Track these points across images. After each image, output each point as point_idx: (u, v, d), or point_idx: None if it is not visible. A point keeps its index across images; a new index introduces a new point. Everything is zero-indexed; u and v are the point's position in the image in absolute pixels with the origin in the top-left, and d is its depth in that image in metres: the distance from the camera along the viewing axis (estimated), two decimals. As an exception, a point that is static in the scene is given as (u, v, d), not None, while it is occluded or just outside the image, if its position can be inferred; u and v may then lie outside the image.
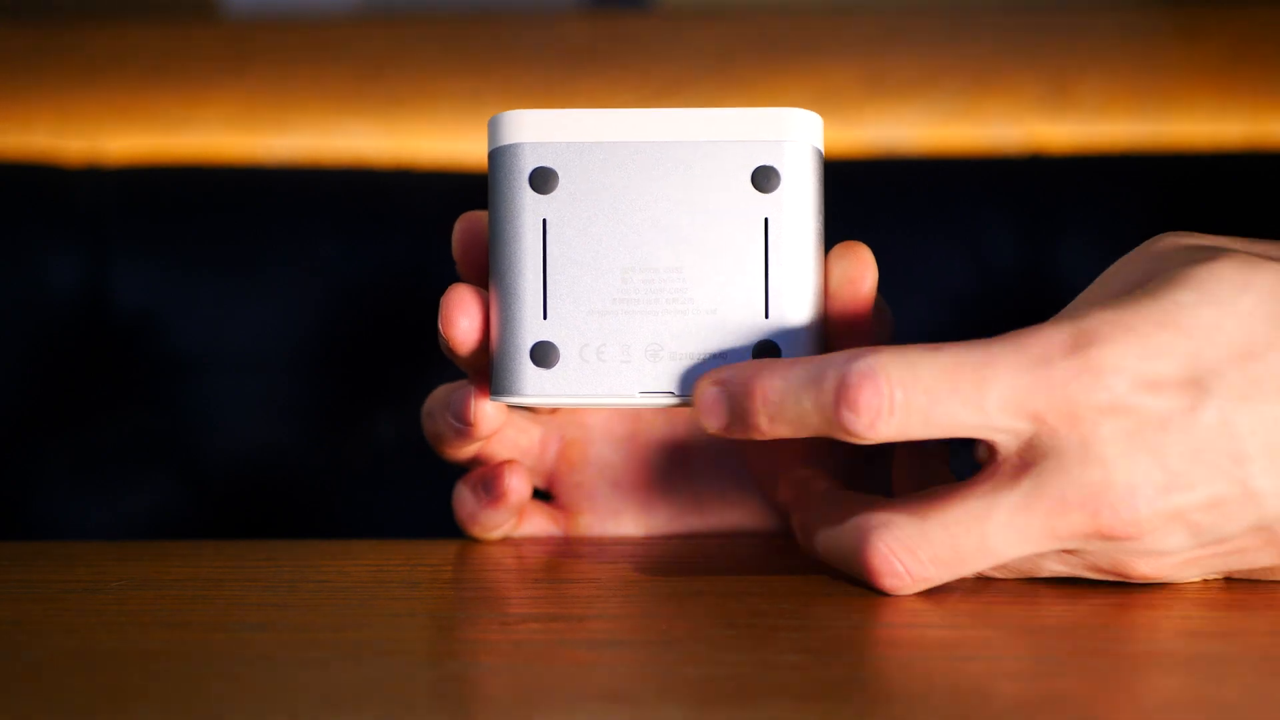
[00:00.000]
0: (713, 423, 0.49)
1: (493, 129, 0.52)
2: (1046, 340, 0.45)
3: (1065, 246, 0.97)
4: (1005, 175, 1.01)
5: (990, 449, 0.47)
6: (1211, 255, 0.46)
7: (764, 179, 0.51)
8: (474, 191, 0.99)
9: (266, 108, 1.14)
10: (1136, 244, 0.49)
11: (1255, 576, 0.49)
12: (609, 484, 0.60)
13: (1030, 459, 0.46)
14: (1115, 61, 1.12)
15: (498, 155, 0.52)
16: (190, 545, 0.61)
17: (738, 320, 0.51)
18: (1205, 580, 0.49)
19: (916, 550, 0.47)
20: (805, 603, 0.48)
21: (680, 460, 0.60)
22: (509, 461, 0.57)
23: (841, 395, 0.46)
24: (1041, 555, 0.48)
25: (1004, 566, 0.49)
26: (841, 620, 0.46)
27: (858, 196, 0.97)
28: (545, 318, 0.51)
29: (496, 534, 0.59)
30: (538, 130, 0.51)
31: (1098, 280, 0.49)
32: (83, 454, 0.99)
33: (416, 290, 0.99)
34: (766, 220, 0.51)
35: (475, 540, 0.59)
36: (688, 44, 1.13)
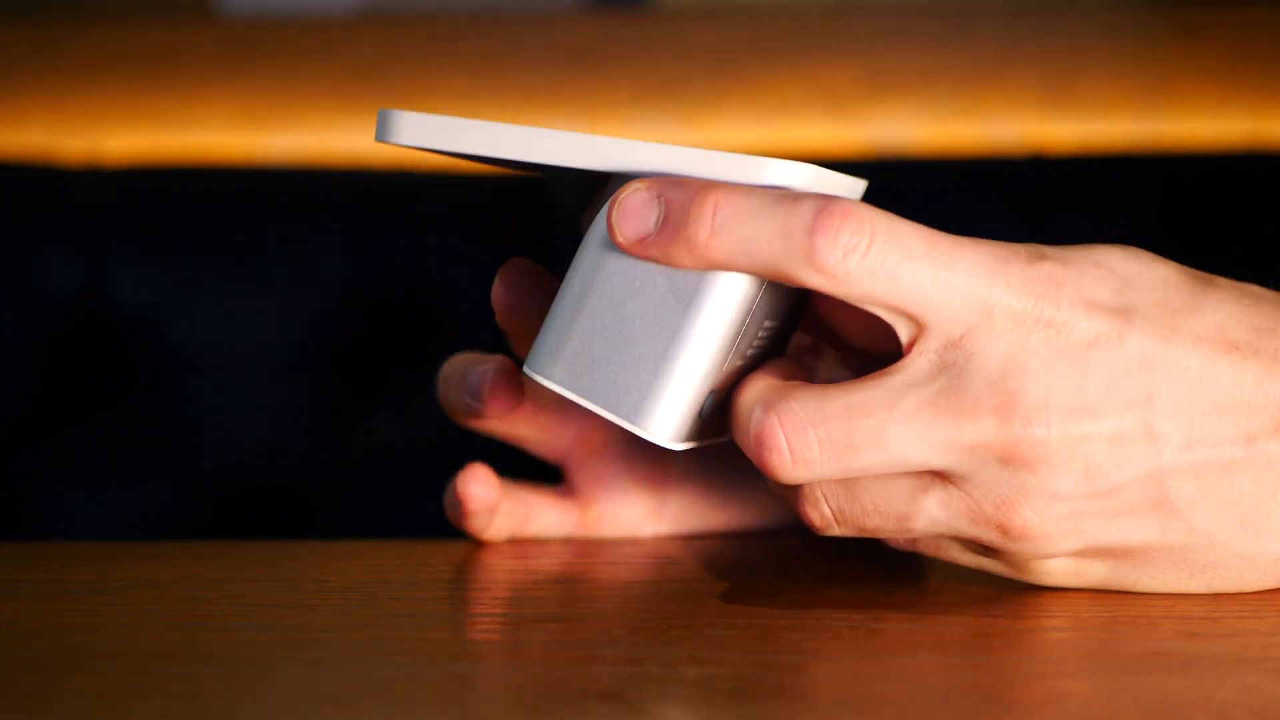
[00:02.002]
0: (628, 227, 0.46)
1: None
2: (1009, 247, 0.46)
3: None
4: (1005, 175, 1.01)
5: (912, 339, 0.46)
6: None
7: None
8: (474, 191, 0.99)
9: (266, 108, 1.14)
10: (1136, 244, 0.49)
11: (1123, 578, 0.47)
12: (625, 473, 0.59)
13: (950, 359, 0.45)
14: (1116, 61, 1.12)
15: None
16: (190, 545, 0.61)
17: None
18: (1079, 579, 0.48)
19: (807, 427, 0.45)
20: (805, 603, 0.48)
21: (697, 453, 0.60)
22: (470, 466, 0.56)
23: (820, 222, 0.44)
24: (940, 537, 0.47)
25: (909, 535, 0.47)
26: (841, 620, 0.46)
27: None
28: None
29: (499, 533, 0.58)
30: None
31: None
32: (83, 454, 0.99)
33: (416, 290, 0.99)
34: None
35: (475, 540, 0.59)
36: (688, 44, 1.13)
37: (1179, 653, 0.43)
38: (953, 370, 0.45)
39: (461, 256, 0.98)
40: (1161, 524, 0.46)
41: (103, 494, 0.99)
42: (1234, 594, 0.48)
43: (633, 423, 0.46)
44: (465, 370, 0.55)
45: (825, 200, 0.45)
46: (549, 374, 0.47)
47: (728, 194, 0.46)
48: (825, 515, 0.47)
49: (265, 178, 1.04)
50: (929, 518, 0.46)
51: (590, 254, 0.47)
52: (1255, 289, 0.48)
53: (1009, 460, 0.45)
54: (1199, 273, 0.47)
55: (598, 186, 0.49)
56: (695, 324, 0.47)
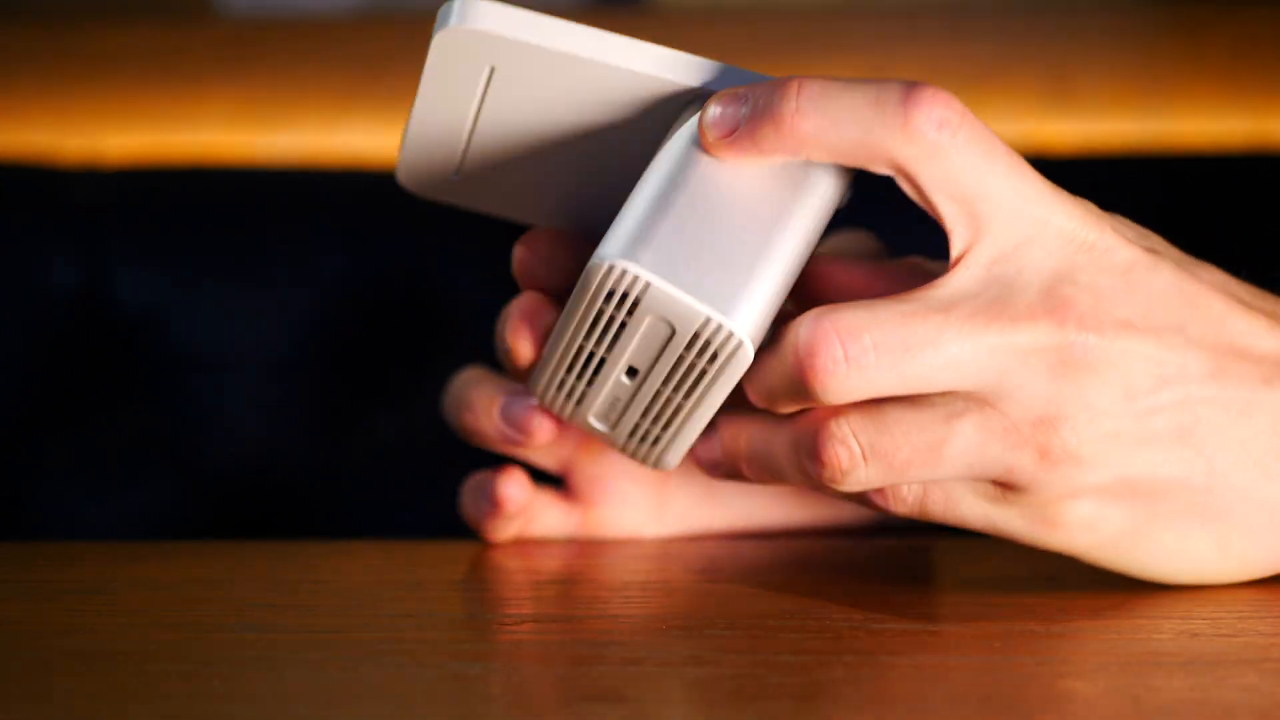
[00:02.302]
0: (721, 124, 0.47)
1: None
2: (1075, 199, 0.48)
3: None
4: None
5: (965, 248, 0.47)
6: None
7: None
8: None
9: (266, 107, 1.14)
10: None
11: (1137, 530, 0.48)
12: (626, 478, 0.60)
13: (999, 273, 0.46)
14: (1116, 61, 1.12)
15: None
16: (190, 545, 0.61)
17: None
18: (1092, 531, 0.48)
19: (862, 332, 0.45)
20: (805, 603, 0.48)
21: None
22: (506, 468, 0.57)
23: (914, 94, 0.45)
24: (959, 482, 0.47)
25: (936, 471, 0.47)
26: (841, 620, 0.46)
27: (858, 196, 0.97)
28: None
29: (505, 535, 0.58)
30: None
31: None
32: (83, 454, 0.99)
33: (416, 290, 0.99)
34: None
35: (476, 540, 0.59)
36: (688, 44, 1.13)
37: (1179, 653, 0.43)
38: (1002, 282, 0.46)
39: (461, 256, 0.98)
40: (1185, 459, 0.47)
41: (103, 494, 0.99)
42: (1234, 594, 0.48)
43: (723, 313, 0.46)
44: (493, 396, 0.55)
45: (910, 81, 0.46)
46: (635, 258, 0.46)
47: (811, 77, 0.46)
48: (853, 453, 0.46)
49: (265, 178, 1.04)
50: (962, 444, 0.46)
51: (678, 152, 0.47)
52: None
53: (1060, 365, 0.46)
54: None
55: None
56: (787, 223, 0.47)
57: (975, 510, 0.48)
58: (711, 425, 0.51)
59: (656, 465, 0.51)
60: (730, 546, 0.58)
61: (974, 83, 1.12)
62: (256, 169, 1.06)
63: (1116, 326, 0.46)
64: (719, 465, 0.51)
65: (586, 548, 0.57)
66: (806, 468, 0.47)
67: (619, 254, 0.46)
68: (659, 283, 0.46)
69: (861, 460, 0.46)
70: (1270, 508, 0.48)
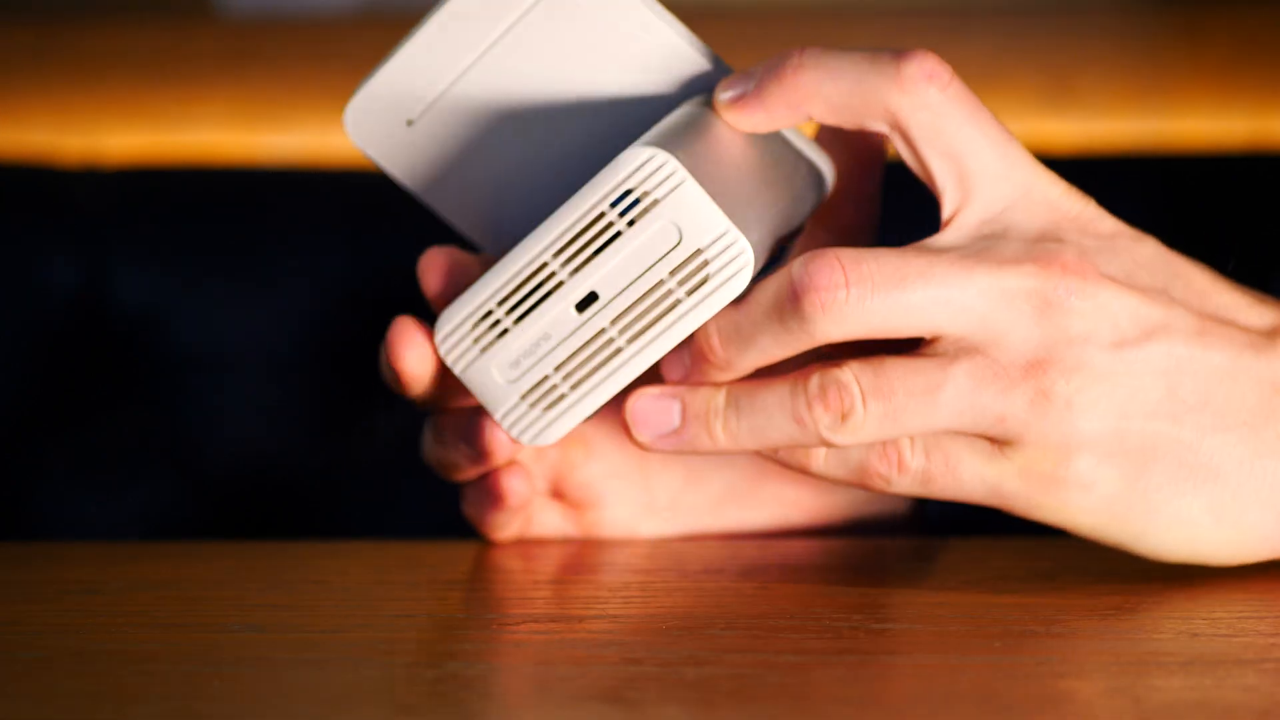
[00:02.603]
0: (728, 94, 0.50)
1: None
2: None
3: (1065, 246, 0.97)
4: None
5: (955, 209, 0.49)
6: None
7: None
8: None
9: (266, 108, 1.14)
10: None
11: (1131, 490, 0.48)
12: (615, 477, 0.60)
13: (987, 231, 0.48)
14: (1116, 61, 1.12)
15: None
16: (190, 545, 0.61)
17: None
18: (1088, 492, 0.48)
19: (860, 261, 0.47)
20: (805, 603, 0.48)
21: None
22: (512, 464, 0.57)
23: (906, 52, 0.48)
24: (958, 437, 0.48)
25: (933, 420, 0.48)
26: (841, 620, 0.46)
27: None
28: None
29: (507, 533, 0.58)
30: None
31: None
32: (83, 454, 0.99)
33: (417, 290, 0.99)
34: None
35: (475, 540, 0.59)
36: (688, 44, 1.13)
37: (1179, 653, 0.43)
38: (990, 238, 0.48)
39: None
40: (1174, 415, 0.48)
41: (103, 494, 0.99)
42: (1234, 594, 0.48)
43: (741, 230, 0.47)
44: (456, 426, 0.55)
45: (912, 54, 0.48)
46: (675, 154, 0.47)
47: (810, 46, 0.49)
48: (854, 395, 0.47)
49: (265, 178, 1.04)
50: (955, 389, 0.47)
51: (690, 112, 0.50)
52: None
53: (1046, 309, 0.47)
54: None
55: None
56: (782, 190, 0.51)
57: (974, 472, 0.48)
58: (628, 395, 0.50)
59: (535, 439, 0.50)
60: (730, 546, 0.58)
61: (974, 83, 1.12)
62: (256, 169, 1.06)
63: (1101, 278, 0.48)
64: (677, 435, 0.51)
65: (586, 547, 0.57)
66: (803, 415, 0.48)
67: (660, 147, 0.47)
68: (692, 182, 0.46)
69: (861, 403, 0.47)
70: (1259, 475, 0.48)
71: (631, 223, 0.47)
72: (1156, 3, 1.14)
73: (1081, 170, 1.01)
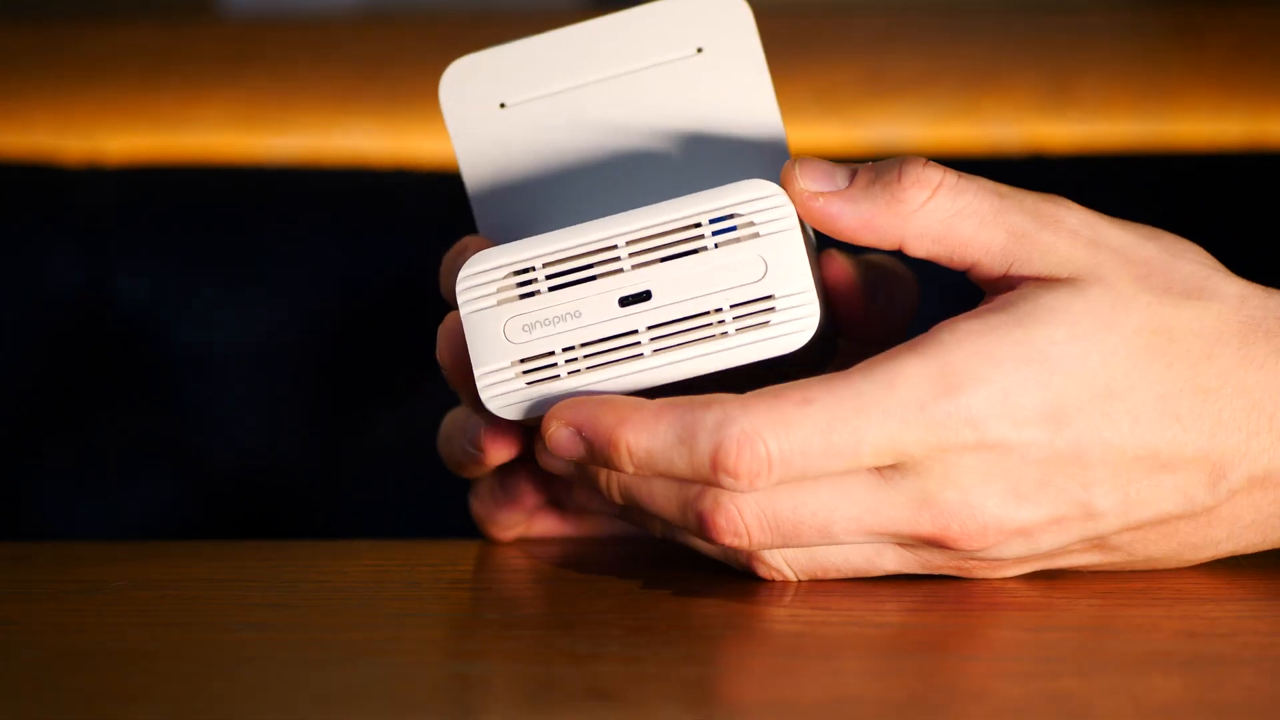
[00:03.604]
0: (557, 463, 0.50)
1: None
2: (917, 381, 0.46)
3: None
4: (1005, 175, 1.01)
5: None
6: (1089, 284, 0.47)
7: None
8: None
9: (266, 107, 1.14)
10: None
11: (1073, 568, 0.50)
12: None
13: (890, 474, 0.47)
14: (1115, 61, 1.12)
15: None
16: (190, 545, 0.61)
17: None
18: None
19: (783, 441, 0.45)
20: (805, 603, 0.48)
21: None
22: (525, 464, 0.57)
23: (718, 461, 0.45)
24: (879, 552, 0.48)
25: (841, 564, 0.49)
26: (841, 620, 0.46)
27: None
28: None
29: (511, 534, 0.58)
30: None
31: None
32: (83, 454, 0.99)
33: (417, 290, 0.99)
34: None
35: (476, 540, 0.59)
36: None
37: (1179, 653, 0.43)
38: (894, 477, 0.47)
39: (461, 256, 0.98)
40: (1102, 556, 0.49)
41: (103, 494, 0.99)
42: (1234, 594, 0.48)
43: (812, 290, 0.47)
44: (463, 424, 0.55)
45: (722, 432, 0.45)
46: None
47: (636, 436, 0.46)
48: (746, 535, 0.47)
49: (265, 178, 1.04)
50: (886, 569, 0.49)
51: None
52: (1214, 323, 0.48)
53: (954, 549, 0.47)
54: (1160, 321, 0.47)
55: None
56: None
57: (892, 565, 0.49)
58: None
59: (501, 409, 0.48)
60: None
61: (974, 83, 1.12)
62: (256, 169, 1.06)
63: (1001, 524, 0.47)
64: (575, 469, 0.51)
65: (587, 548, 0.57)
66: (690, 526, 0.48)
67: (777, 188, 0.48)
68: (799, 231, 0.47)
69: (749, 538, 0.47)
70: (1201, 554, 0.49)
71: (719, 245, 0.47)
72: (1156, 3, 1.14)
73: (1081, 170, 1.01)
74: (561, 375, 0.48)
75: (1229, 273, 0.49)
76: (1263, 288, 0.49)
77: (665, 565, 0.54)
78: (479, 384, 0.48)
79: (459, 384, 0.52)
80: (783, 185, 0.48)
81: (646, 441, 0.46)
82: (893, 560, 0.49)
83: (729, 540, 0.47)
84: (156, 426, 1.00)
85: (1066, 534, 0.47)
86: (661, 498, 0.48)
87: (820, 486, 0.47)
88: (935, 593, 0.49)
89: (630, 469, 0.47)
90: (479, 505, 0.58)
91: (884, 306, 0.53)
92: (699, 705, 0.39)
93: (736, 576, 0.51)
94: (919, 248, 0.48)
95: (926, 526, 0.47)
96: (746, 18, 0.53)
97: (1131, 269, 0.48)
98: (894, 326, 0.54)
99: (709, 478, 0.46)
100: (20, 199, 1.02)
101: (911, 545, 0.48)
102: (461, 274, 0.49)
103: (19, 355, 1.00)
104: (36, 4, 1.20)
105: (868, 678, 0.42)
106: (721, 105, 0.52)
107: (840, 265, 0.52)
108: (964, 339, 0.46)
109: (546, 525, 0.60)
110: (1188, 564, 0.49)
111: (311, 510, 0.99)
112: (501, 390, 0.48)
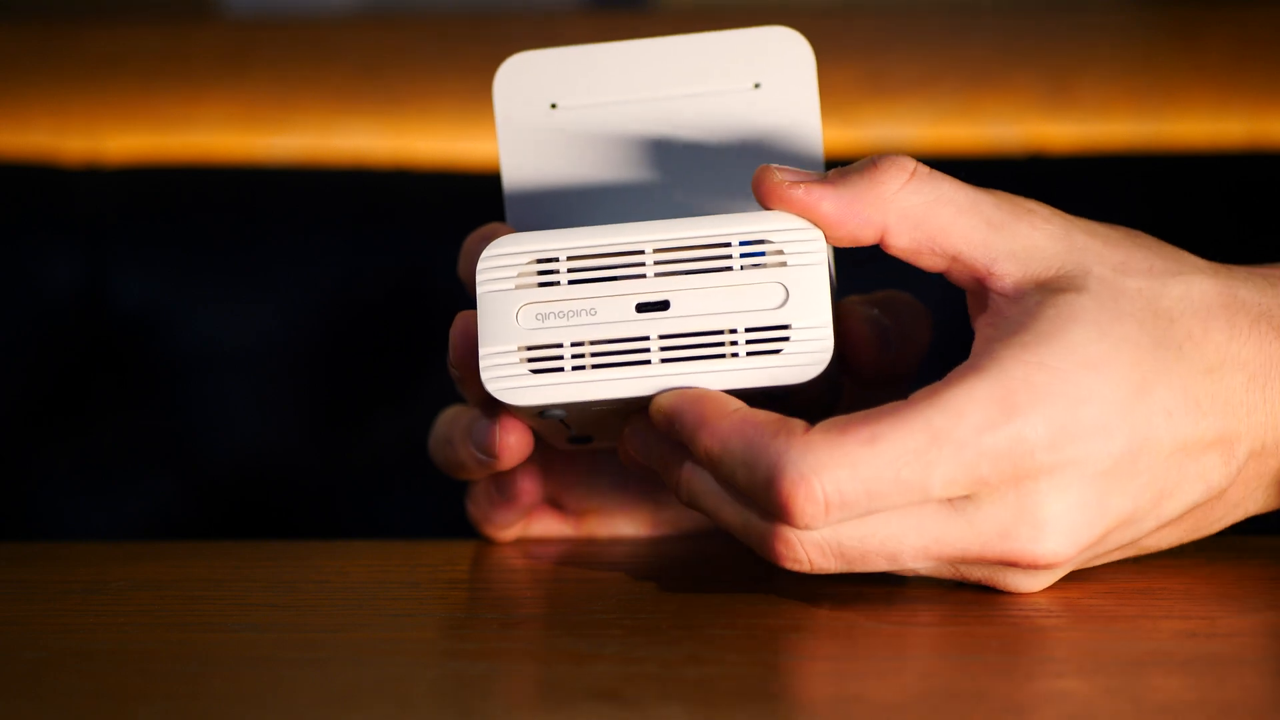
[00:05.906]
0: (634, 454, 0.50)
1: None
2: (985, 404, 0.45)
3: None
4: (1005, 175, 1.01)
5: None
6: (1082, 278, 0.47)
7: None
8: (474, 191, 0.99)
9: (266, 108, 1.14)
10: None
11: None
12: (613, 485, 0.60)
13: (961, 504, 0.46)
14: (1115, 61, 1.12)
15: None
16: (190, 545, 0.61)
17: None
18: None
19: (849, 470, 0.45)
20: (805, 603, 0.48)
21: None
22: (521, 465, 0.57)
23: (773, 499, 0.45)
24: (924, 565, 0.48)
25: (874, 565, 0.48)
26: (841, 620, 0.46)
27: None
28: None
29: (509, 534, 0.58)
30: None
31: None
32: (83, 454, 0.99)
33: (417, 290, 0.99)
34: None
35: (475, 540, 0.59)
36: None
37: (1179, 653, 0.43)
38: (969, 506, 0.46)
39: (462, 256, 0.98)
40: (1123, 555, 0.49)
41: (103, 494, 0.99)
42: (1233, 594, 0.48)
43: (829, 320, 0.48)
44: (467, 427, 0.55)
45: (782, 465, 0.45)
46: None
47: (710, 440, 0.46)
48: (807, 561, 0.47)
49: (265, 178, 1.04)
50: (909, 571, 0.48)
51: None
52: (1200, 298, 0.48)
53: (1013, 566, 0.47)
54: (1156, 303, 0.47)
55: None
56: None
57: (917, 566, 0.49)
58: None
59: (501, 393, 0.48)
60: (730, 546, 0.58)
61: (974, 83, 1.12)
62: (256, 169, 1.06)
63: (1078, 540, 0.47)
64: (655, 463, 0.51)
65: (586, 548, 0.57)
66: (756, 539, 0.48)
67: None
68: (826, 267, 0.47)
69: (809, 564, 0.47)
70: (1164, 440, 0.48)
71: (744, 267, 0.47)
72: (1156, 3, 1.14)
73: (1081, 170, 1.01)
74: (566, 369, 0.48)
75: (1188, 252, 0.49)
76: (1220, 264, 0.49)
77: (666, 565, 0.54)
78: (482, 363, 0.48)
79: (467, 385, 0.52)
80: (759, 181, 0.48)
81: (719, 450, 0.46)
82: (930, 569, 0.48)
83: (789, 566, 0.47)
84: (156, 426, 1.00)
85: (1106, 544, 0.47)
86: (729, 510, 0.48)
87: (890, 517, 0.46)
88: (935, 594, 0.49)
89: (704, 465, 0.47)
90: (475, 506, 0.58)
91: (895, 357, 0.53)
92: (699, 705, 0.39)
93: (735, 575, 0.51)
94: (901, 233, 0.48)
95: (996, 550, 0.46)
96: (808, 60, 0.53)
97: (1108, 257, 0.48)
98: (904, 373, 0.54)
99: (766, 508, 0.46)
100: (20, 199, 1.02)
101: (967, 563, 0.47)
102: (485, 253, 0.49)
103: (18, 356, 1.00)
104: (36, 4, 1.20)
105: (868, 678, 0.42)
106: (769, 139, 0.52)
107: (857, 316, 0.52)
108: (1019, 353, 0.46)
109: (545, 525, 0.60)
110: (1185, 543, 0.50)
111: (312, 510, 0.99)
112: (503, 373, 0.48)
